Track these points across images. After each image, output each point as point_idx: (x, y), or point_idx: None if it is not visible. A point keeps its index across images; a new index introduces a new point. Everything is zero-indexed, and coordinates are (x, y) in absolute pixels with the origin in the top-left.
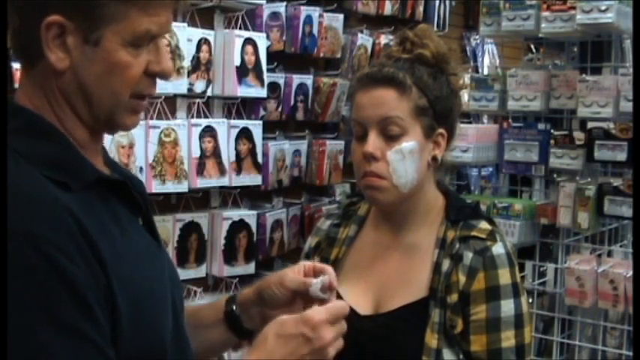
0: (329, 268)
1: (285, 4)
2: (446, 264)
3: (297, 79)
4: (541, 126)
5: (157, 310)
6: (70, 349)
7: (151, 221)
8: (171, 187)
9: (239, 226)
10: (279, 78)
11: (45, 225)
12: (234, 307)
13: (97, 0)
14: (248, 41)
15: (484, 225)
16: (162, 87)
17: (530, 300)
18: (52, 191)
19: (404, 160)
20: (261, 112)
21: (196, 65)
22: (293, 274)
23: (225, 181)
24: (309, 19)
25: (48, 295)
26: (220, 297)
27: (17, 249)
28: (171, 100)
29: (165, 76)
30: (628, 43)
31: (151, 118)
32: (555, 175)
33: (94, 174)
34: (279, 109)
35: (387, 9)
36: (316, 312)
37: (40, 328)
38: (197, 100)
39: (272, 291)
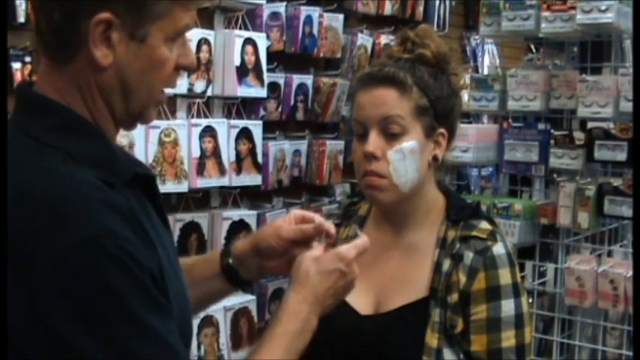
0: (316, 216)
1: (285, 4)
2: (446, 264)
3: (297, 79)
4: (541, 126)
5: (184, 300)
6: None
7: (162, 209)
8: (171, 187)
9: (239, 226)
10: (279, 78)
11: (115, 224)
12: (231, 261)
13: None
14: (248, 41)
15: (485, 225)
16: None
17: (530, 300)
18: (108, 191)
19: (404, 160)
20: (261, 112)
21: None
22: (287, 224)
23: (225, 181)
24: (309, 19)
25: (141, 288)
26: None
27: (98, 250)
28: (171, 100)
29: (191, 69)
30: (628, 43)
31: None
32: (555, 175)
33: (131, 170)
34: (279, 109)
35: (387, 9)
36: (348, 250)
37: (147, 315)
38: (197, 100)
39: (268, 243)
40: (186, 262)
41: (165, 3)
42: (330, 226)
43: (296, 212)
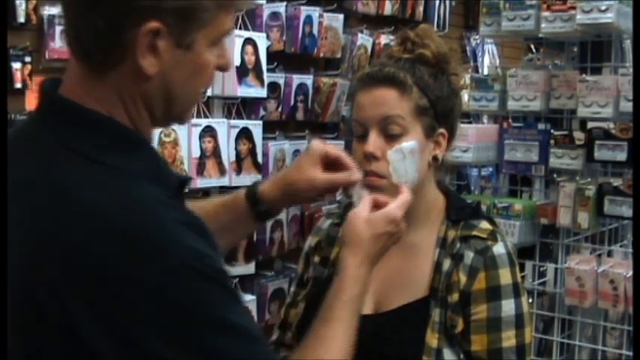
0: (342, 155)
1: (285, 4)
2: (446, 263)
3: (297, 79)
4: (541, 126)
5: None
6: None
7: None
8: None
9: None
10: (279, 78)
11: (195, 241)
12: (262, 207)
13: (198, 6)
14: (248, 41)
15: (485, 225)
16: None
17: (530, 300)
18: (177, 207)
19: (404, 160)
20: (261, 112)
21: None
22: (318, 171)
23: (225, 181)
24: (309, 19)
25: (229, 295)
26: None
27: (190, 273)
28: None
29: (227, 69)
30: (628, 43)
31: None
32: (555, 175)
33: (177, 178)
34: (279, 109)
35: (387, 9)
36: (396, 210)
37: (242, 319)
38: None
39: (300, 192)
40: (207, 208)
41: (214, 10)
42: (357, 175)
43: (319, 149)
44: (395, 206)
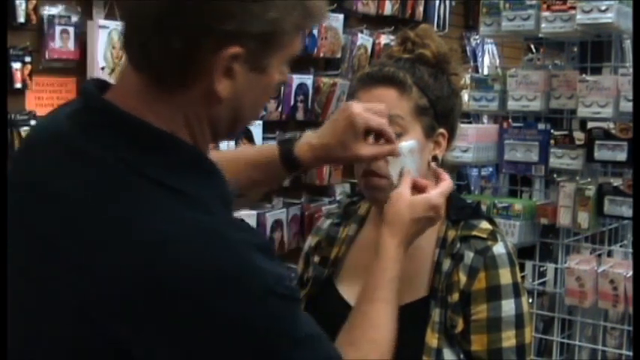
0: (384, 124)
1: None
2: (446, 263)
3: (297, 79)
4: (541, 126)
5: None
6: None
7: None
8: None
9: None
10: None
11: (274, 266)
12: (297, 169)
13: (280, 30)
14: None
15: (485, 225)
16: None
17: (530, 300)
18: (252, 232)
19: (403, 159)
20: (261, 112)
21: None
22: (363, 146)
23: None
24: None
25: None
26: None
27: (275, 298)
28: None
29: (285, 83)
30: (628, 43)
31: None
32: (555, 175)
33: (232, 196)
34: (279, 109)
35: (387, 9)
36: (438, 197)
37: (316, 329)
38: None
39: (340, 159)
40: (239, 167)
41: (291, 33)
42: (397, 146)
43: (362, 122)
44: (437, 193)
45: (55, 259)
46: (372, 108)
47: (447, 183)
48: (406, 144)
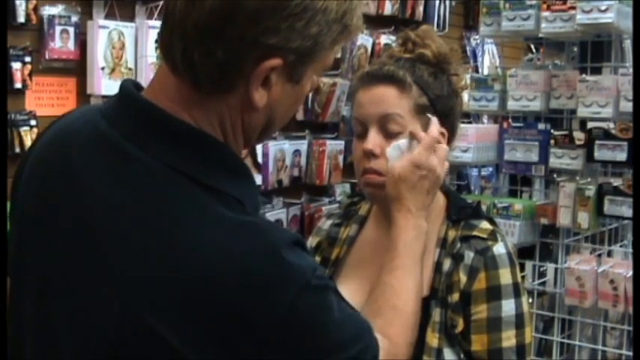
0: None
1: None
2: (447, 263)
3: None
4: (541, 126)
5: None
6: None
7: None
8: None
9: None
10: None
11: (309, 260)
12: None
13: (319, 44)
14: None
15: (485, 225)
16: None
17: (530, 300)
18: (283, 230)
19: (402, 157)
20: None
21: None
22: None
23: None
24: None
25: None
26: None
27: (314, 290)
28: None
29: (312, 91)
30: (628, 43)
31: None
32: (555, 175)
33: (261, 201)
34: None
35: (387, 9)
36: (420, 155)
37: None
38: None
39: None
40: None
41: (328, 47)
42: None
43: None
44: (418, 152)
45: (101, 266)
46: None
47: (429, 135)
48: (404, 141)
